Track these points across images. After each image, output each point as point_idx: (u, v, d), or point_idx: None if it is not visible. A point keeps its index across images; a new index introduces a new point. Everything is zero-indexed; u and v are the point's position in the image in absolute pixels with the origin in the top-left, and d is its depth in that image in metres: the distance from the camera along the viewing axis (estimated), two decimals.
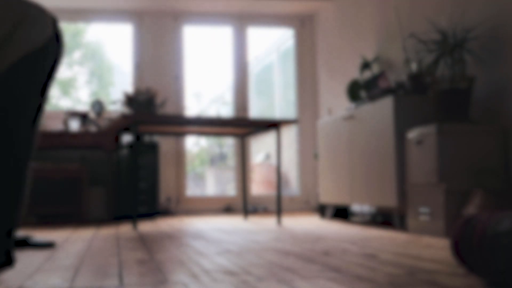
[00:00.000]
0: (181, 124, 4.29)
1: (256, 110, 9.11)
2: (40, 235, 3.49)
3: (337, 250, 2.49)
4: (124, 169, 5.08)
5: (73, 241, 3.11)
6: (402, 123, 3.60)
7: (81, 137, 5.07)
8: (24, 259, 2.32)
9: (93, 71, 14.24)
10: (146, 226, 4.18)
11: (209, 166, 11.22)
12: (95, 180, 5.33)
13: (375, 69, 4.75)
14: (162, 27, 6.12)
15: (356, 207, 4.92)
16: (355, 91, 4.68)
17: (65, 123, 5.26)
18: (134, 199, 4.02)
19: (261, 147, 9.05)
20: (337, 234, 3.32)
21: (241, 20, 6.31)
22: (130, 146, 5.11)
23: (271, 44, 8.48)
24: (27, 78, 1.78)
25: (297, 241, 2.93)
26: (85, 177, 4.82)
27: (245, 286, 1.57)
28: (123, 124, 4.26)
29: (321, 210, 4.98)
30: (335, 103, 5.69)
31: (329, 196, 4.73)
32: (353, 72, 5.14)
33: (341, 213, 4.81)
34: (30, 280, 1.75)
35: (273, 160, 8.52)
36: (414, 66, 3.84)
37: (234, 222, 4.51)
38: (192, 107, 12.16)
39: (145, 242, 2.95)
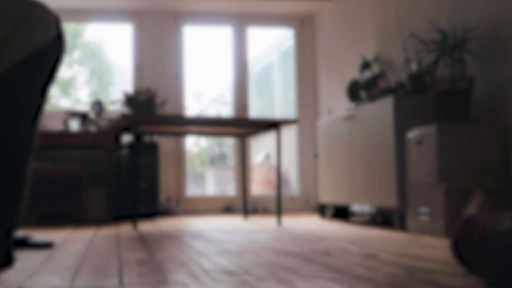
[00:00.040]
0: (181, 124, 4.29)
1: (256, 110, 9.11)
2: (40, 235, 3.49)
3: (337, 250, 2.49)
4: (124, 169, 5.08)
5: (73, 241, 3.11)
6: (402, 123, 3.60)
7: (81, 137, 5.07)
8: (24, 259, 2.32)
9: (93, 71, 14.23)
10: (146, 226, 4.18)
11: (209, 166, 11.22)
12: (95, 180, 5.33)
13: (375, 69, 4.75)
14: (162, 27, 6.13)
15: (356, 207, 4.92)
16: (355, 91, 4.68)
17: (65, 123, 5.26)
18: (134, 199, 4.02)
19: (261, 147, 9.06)
20: (337, 234, 3.32)
21: (241, 20, 6.31)
22: (130, 146, 5.11)
23: (271, 44, 8.48)
24: (29, 78, 1.78)
25: (297, 241, 2.93)
26: (85, 177, 4.82)
27: (245, 286, 1.57)
28: (123, 124, 4.26)
29: (321, 210, 4.98)
30: (335, 103, 5.70)
31: (329, 196, 4.73)
32: (353, 72, 5.14)
33: (341, 213, 4.81)
34: (30, 280, 1.75)
35: (273, 160, 8.52)
36: (414, 66, 3.84)
37: (234, 222, 4.51)
38: (192, 107, 12.16)
39: (145, 242, 2.95)
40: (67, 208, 5.01)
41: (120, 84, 12.54)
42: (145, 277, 1.77)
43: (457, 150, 3.15)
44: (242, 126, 4.39)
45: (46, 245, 2.78)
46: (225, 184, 9.72)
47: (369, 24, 4.96)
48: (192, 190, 9.88)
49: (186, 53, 6.21)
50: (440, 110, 3.32)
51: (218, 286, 1.59)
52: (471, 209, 2.89)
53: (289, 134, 7.63)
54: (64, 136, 5.04)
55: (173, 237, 3.23)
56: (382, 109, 3.75)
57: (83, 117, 5.30)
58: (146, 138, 5.42)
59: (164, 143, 5.97)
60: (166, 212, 5.80)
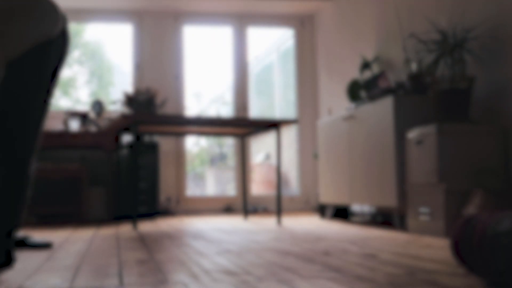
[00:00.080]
0: (181, 124, 4.29)
1: (256, 110, 9.11)
2: (40, 235, 3.49)
3: (337, 250, 2.49)
4: (124, 169, 5.08)
5: (73, 241, 3.11)
6: (402, 123, 3.60)
7: (81, 137, 5.07)
8: (24, 259, 2.32)
9: (93, 71, 14.24)
10: (146, 226, 4.18)
11: (209, 166, 11.22)
12: (95, 180, 5.33)
13: (375, 69, 4.75)
14: (162, 27, 6.13)
15: (356, 207, 4.92)
16: (355, 91, 4.68)
17: (65, 123, 5.26)
18: (134, 199, 4.02)
19: (261, 147, 9.06)
20: (337, 234, 3.32)
21: (241, 20, 6.31)
22: (130, 146, 5.11)
23: (271, 44, 8.48)
24: (33, 71, 1.77)
25: (297, 241, 2.93)
26: (85, 177, 4.82)
27: (245, 286, 1.57)
28: (123, 124, 4.26)
29: (321, 210, 4.98)
30: (335, 103, 5.70)
31: (329, 196, 4.73)
32: (353, 72, 5.14)
33: (341, 213, 4.81)
34: (30, 280, 1.75)
35: (273, 160, 8.52)
36: (414, 66, 3.84)
37: (234, 222, 4.51)
38: (192, 107, 12.17)
39: (145, 242, 2.95)
40: (67, 208, 5.01)
41: (120, 84, 12.54)
42: (145, 277, 1.77)
43: (457, 150, 3.15)
44: (242, 126, 4.40)
45: (45, 245, 2.77)
46: (225, 184, 9.72)
47: (369, 24, 4.96)
48: (192, 190, 9.88)
49: (186, 53, 6.21)
50: (440, 110, 3.32)
51: (218, 286, 1.59)
52: (471, 209, 2.89)
53: (289, 134, 7.63)
54: (64, 136, 5.04)
55: (173, 237, 3.23)
56: (382, 109, 3.75)
57: (83, 117, 5.30)
58: (146, 138, 5.42)
59: (164, 143, 5.97)
60: (166, 212, 5.80)
